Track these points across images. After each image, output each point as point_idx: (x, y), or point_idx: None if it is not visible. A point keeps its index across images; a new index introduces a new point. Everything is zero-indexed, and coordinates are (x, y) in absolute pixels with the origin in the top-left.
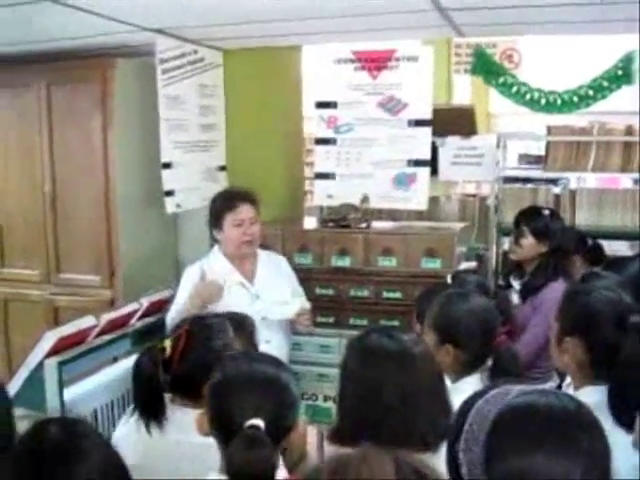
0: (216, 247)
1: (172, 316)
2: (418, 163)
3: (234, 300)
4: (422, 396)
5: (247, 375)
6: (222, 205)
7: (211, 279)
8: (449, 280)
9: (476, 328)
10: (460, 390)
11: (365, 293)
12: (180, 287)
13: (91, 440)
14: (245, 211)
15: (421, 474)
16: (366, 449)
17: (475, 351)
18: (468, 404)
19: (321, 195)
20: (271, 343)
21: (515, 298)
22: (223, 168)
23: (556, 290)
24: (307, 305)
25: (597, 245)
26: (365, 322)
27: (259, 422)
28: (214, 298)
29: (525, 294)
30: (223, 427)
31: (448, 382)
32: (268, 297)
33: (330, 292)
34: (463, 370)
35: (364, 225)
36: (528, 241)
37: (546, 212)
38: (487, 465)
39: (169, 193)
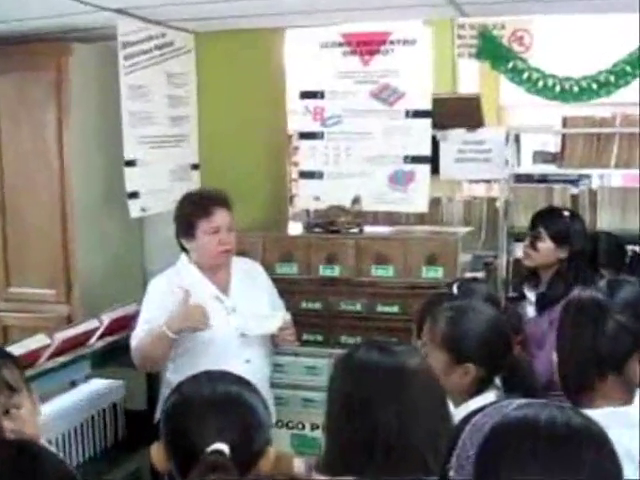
0: (184, 256)
1: (139, 337)
2: (417, 160)
3: (211, 313)
4: (421, 415)
5: (207, 395)
6: (194, 210)
7: (196, 303)
8: (454, 290)
9: (495, 341)
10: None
11: (357, 307)
12: (145, 302)
13: (48, 461)
14: (221, 217)
15: None
16: None
17: (493, 366)
18: (466, 419)
19: (307, 197)
20: (251, 363)
21: (530, 310)
22: (196, 167)
23: None
24: (288, 317)
25: (623, 250)
26: (357, 340)
27: (223, 447)
28: (200, 326)
29: (542, 306)
30: (182, 455)
31: (452, 406)
32: (245, 310)
33: (317, 306)
34: (479, 388)
35: (356, 230)
36: (546, 245)
37: (566, 213)
38: None
39: (133, 195)
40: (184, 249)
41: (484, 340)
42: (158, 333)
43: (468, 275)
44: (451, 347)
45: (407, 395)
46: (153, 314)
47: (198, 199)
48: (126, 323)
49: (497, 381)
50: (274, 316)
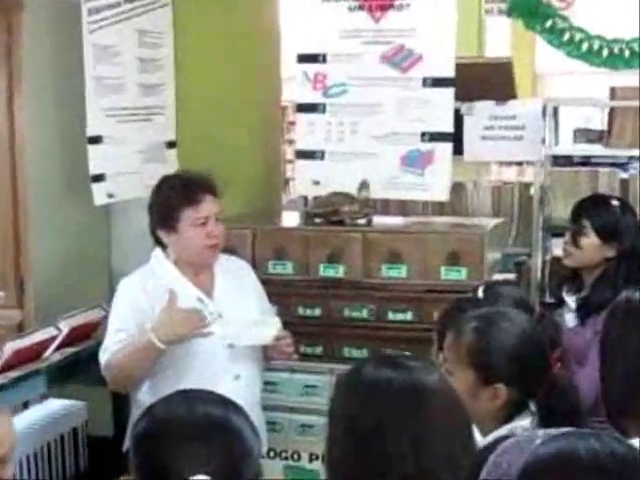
0: (158, 251)
1: (113, 350)
2: (436, 137)
3: None
4: (441, 444)
5: (186, 418)
6: (177, 198)
7: (191, 307)
8: (480, 294)
9: (529, 356)
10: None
11: (364, 314)
12: (114, 308)
13: None
14: (210, 206)
15: None
16: None
17: (527, 388)
18: (482, 455)
19: (305, 181)
20: (241, 380)
21: (569, 319)
22: (172, 144)
23: None
24: (280, 327)
25: None
26: (364, 353)
27: (205, 479)
28: (198, 332)
29: (584, 314)
30: None
31: (479, 435)
32: (233, 316)
33: (317, 313)
34: (511, 414)
35: (363, 221)
36: (590, 241)
37: (615, 203)
38: None
39: (98, 178)
40: (159, 243)
41: (516, 356)
42: (142, 344)
43: (497, 277)
44: (477, 364)
45: (425, 419)
46: (126, 323)
47: (182, 184)
48: (89, 332)
49: (532, 405)
50: (268, 323)
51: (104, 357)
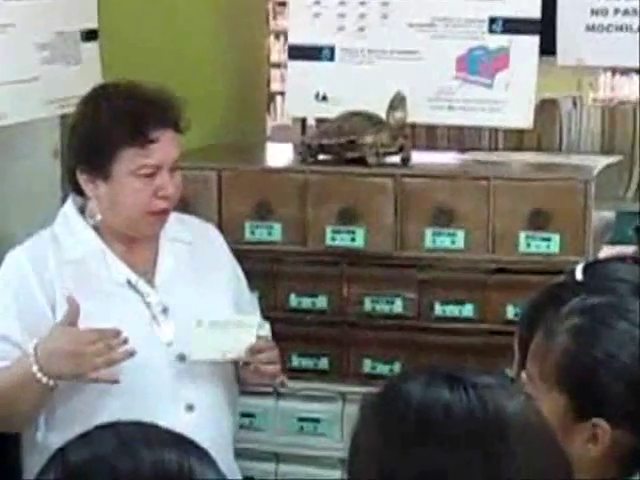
0: (69, 207)
1: None
2: (513, 27)
3: (120, 318)
4: None
5: (121, 469)
6: (118, 128)
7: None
8: (579, 276)
9: None
10: None
11: (397, 307)
12: None
13: None
14: (167, 148)
15: None
16: None
17: None
18: None
19: (302, 95)
20: (197, 412)
21: None
22: (91, 35)
23: None
24: (266, 328)
25: None
26: (396, 369)
27: None
28: (103, 374)
29: None
30: None
31: None
32: (186, 313)
33: (321, 304)
34: (624, 466)
35: (396, 160)
36: None
37: None
38: None
39: None
40: (78, 190)
41: (635, 378)
42: (22, 374)
43: (607, 250)
44: (569, 386)
45: (503, 469)
46: (8, 324)
47: (127, 106)
48: None
49: None
50: (241, 324)
51: None
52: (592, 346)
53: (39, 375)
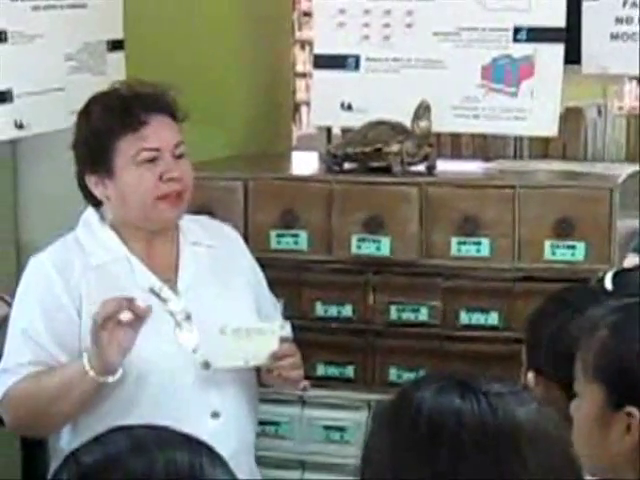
0: (90, 213)
1: (15, 376)
2: (539, 36)
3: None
4: None
5: (135, 470)
6: (110, 119)
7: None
8: (608, 284)
9: None
10: None
11: (422, 315)
12: (19, 304)
13: None
14: (161, 131)
15: None
16: None
17: None
18: None
19: (328, 105)
20: (222, 419)
21: None
22: (118, 45)
23: None
24: (288, 330)
25: None
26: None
27: None
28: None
29: None
30: None
31: None
32: (209, 319)
33: (347, 312)
34: None
35: (422, 168)
36: None
37: None
38: None
39: (1, 97)
40: (94, 201)
41: None
42: (72, 371)
43: (631, 257)
44: (606, 375)
45: (515, 474)
46: (35, 326)
47: (117, 99)
48: None
49: None
50: (263, 331)
51: (2, 384)
52: (627, 337)
53: (91, 372)
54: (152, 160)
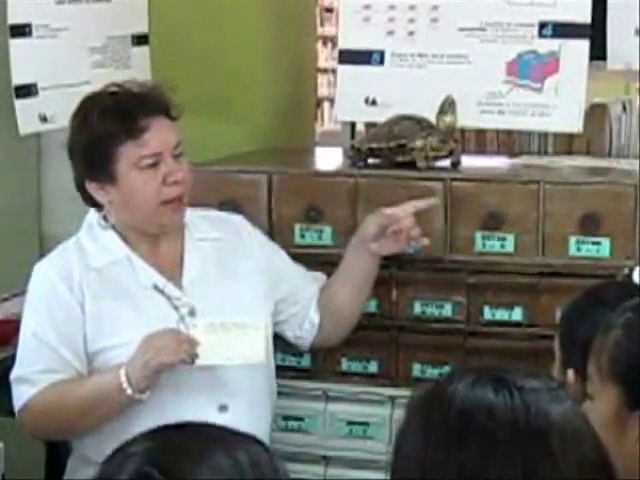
0: (93, 216)
1: (35, 386)
2: (564, 31)
3: (147, 321)
4: None
5: (218, 468)
6: (110, 126)
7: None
8: (637, 279)
9: None
10: None
11: (447, 311)
12: (28, 309)
13: None
14: (160, 134)
15: None
16: None
17: None
18: None
19: (352, 100)
20: (229, 413)
21: None
22: (142, 40)
23: None
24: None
25: None
26: (445, 372)
27: None
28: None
29: None
30: None
31: None
32: (213, 312)
33: (371, 308)
34: None
35: (446, 164)
36: None
37: None
38: None
39: (24, 90)
40: (94, 204)
41: None
42: (108, 388)
43: None
44: (624, 378)
45: (544, 471)
46: (45, 331)
47: (114, 103)
48: (9, 332)
49: None
50: (246, 326)
51: (22, 394)
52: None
53: (128, 389)
54: (154, 164)
